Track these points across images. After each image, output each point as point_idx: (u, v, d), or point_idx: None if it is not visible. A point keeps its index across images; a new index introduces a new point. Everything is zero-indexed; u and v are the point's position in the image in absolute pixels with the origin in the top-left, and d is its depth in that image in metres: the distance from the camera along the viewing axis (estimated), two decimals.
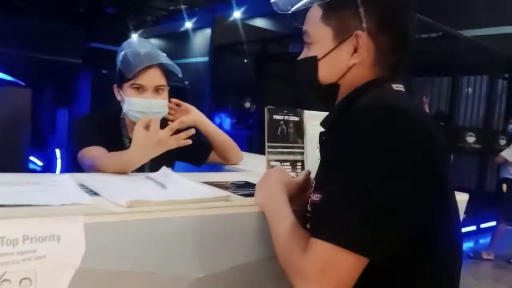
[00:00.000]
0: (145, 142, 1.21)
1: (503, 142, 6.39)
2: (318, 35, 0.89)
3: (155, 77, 1.43)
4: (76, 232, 0.69)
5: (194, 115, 1.60)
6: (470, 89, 6.64)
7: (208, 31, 11.13)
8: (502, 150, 6.34)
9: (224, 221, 0.88)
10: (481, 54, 6.09)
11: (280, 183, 0.93)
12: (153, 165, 1.31)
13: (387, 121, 0.73)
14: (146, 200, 0.82)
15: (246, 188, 1.11)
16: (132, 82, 1.42)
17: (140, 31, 14.62)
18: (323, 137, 0.92)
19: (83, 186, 0.94)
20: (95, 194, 0.88)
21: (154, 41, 14.88)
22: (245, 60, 7.76)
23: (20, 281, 0.65)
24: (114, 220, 0.75)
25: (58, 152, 3.40)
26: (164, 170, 1.12)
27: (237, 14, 10.62)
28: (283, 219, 0.83)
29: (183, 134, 1.26)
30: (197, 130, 1.56)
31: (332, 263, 0.69)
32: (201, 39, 12.72)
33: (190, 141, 1.28)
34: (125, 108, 1.45)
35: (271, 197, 0.90)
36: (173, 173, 1.11)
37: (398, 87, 0.87)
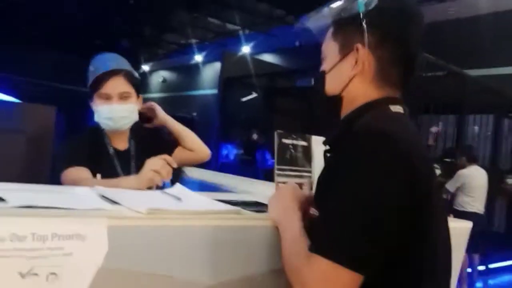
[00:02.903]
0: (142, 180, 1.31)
1: (510, 181, 6.37)
2: (327, 51, 0.98)
3: (118, 85, 1.50)
4: (100, 233, 0.74)
5: (163, 116, 1.69)
6: (476, 127, 6.71)
7: (217, 65, 11.38)
8: (510, 189, 6.32)
9: (235, 232, 0.92)
10: (486, 93, 6.18)
11: (295, 201, 0.98)
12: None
13: (373, 148, 0.79)
14: (164, 209, 0.88)
15: (255, 206, 1.15)
16: (98, 92, 1.50)
17: (151, 63, 15.00)
18: (327, 154, 0.98)
19: (103, 197, 0.99)
20: (116, 203, 0.93)
21: (165, 73, 15.24)
22: (253, 93, 7.91)
23: (47, 276, 0.70)
24: (135, 225, 0.80)
25: None
26: (179, 186, 1.18)
27: (245, 49, 10.90)
28: (297, 238, 0.87)
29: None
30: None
31: (329, 278, 0.75)
32: (211, 72, 13.01)
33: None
34: (95, 117, 1.53)
35: (286, 213, 0.94)
36: (188, 190, 1.16)
37: (397, 108, 0.91)
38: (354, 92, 0.93)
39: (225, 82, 8.03)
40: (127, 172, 1.52)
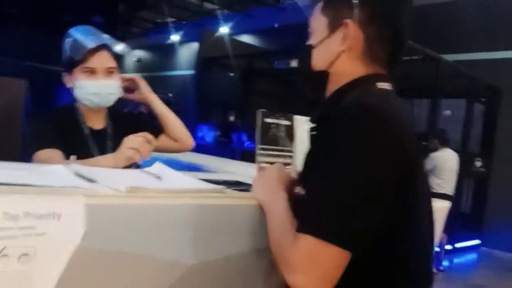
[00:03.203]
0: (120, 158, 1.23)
1: (478, 164, 6.57)
2: (316, 25, 0.95)
3: (105, 60, 1.44)
4: (76, 211, 0.70)
5: (146, 92, 1.60)
6: (449, 111, 6.84)
7: (194, 45, 11.19)
8: (477, 172, 6.52)
9: (218, 211, 0.89)
10: (459, 78, 6.29)
11: (280, 181, 0.96)
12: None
13: (362, 124, 0.78)
14: (145, 187, 0.84)
15: (237, 186, 1.13)
16: (82, 66, 1.41)
17: (126, 42, 14.61)
18: (312, 132, 0.96)
19: (79, 175, 0.94)
20: (93, 181, 0.88)
21: (140, 52, 14.89)
22: (231, 74, 7.83)
23: (19, 257, 0.65)
24: (114, 203, 0.75)
25: None
26: (159, 165, 1.13)
27: (223, 29, 10.74)
28: (283, 219, 0.85)
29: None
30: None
31: (317, 256, 0.73)
32: (187, 52, 12.77)
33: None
34: (77, 92, 1.44)
35: (271, 194, 0.92)
36: (168, 168, 1.12)
37: (383, 85, 0.90)
38: (341, 69, 0.91)
39: (202, 62, 7.91)
40: (103, 153, 1.45)
